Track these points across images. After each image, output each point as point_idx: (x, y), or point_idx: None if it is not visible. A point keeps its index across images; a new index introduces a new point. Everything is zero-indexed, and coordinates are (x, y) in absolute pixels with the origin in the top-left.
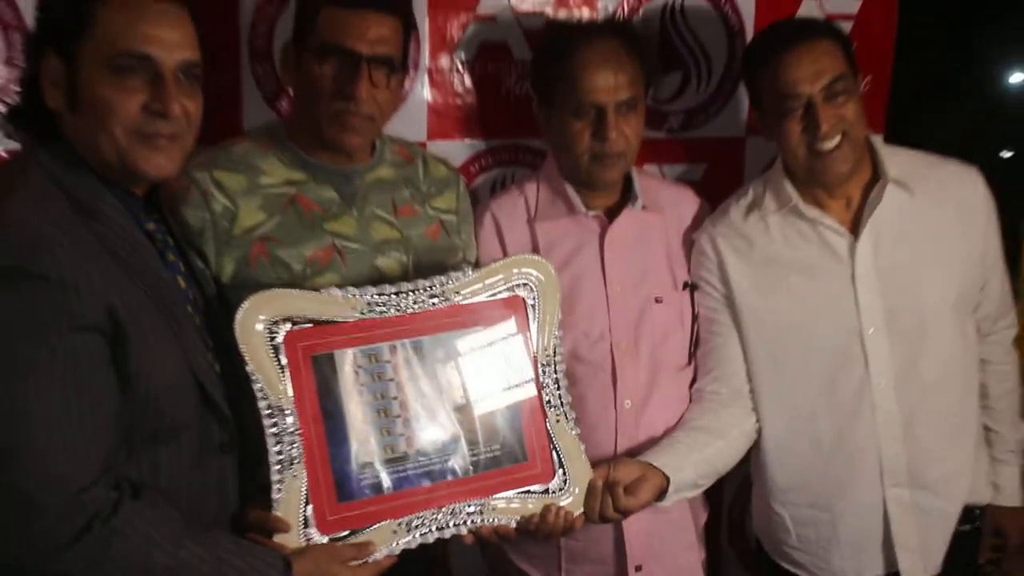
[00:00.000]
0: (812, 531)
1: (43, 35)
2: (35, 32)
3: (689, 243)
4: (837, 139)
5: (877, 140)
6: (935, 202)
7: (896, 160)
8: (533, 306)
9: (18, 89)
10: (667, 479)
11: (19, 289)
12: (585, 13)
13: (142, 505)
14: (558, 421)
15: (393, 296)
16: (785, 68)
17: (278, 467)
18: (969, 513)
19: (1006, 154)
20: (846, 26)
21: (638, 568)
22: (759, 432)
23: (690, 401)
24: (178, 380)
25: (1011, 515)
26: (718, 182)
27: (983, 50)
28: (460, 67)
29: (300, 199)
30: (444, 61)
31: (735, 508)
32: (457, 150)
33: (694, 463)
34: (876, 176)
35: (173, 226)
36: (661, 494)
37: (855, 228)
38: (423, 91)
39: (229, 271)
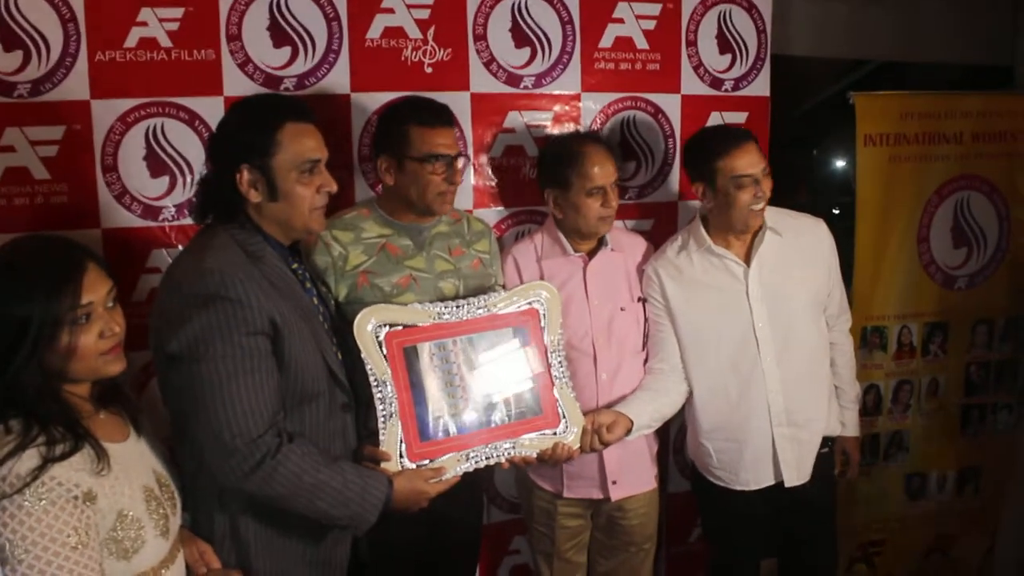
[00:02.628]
0: (726, 456)
1: (240, 155)
2: (229, 154)
3: (641, 271)
4: (760, 204)
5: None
6: (796, 240)
7: (772, 215)
8: (543, 314)
9: (203, 192)
10: (632, 422)
11: (217, 308)
12: (572, 127)
13: (294, 446)
14: (561, 387)
15: (454, 308)
16: (740, 157)
17: (382, 419)
18: (825, 441)
19: (835, 211)
20: None
21: (614, 482)
22: (690, 393)
23: (644, 374)
24: (314, 363)
25: (852, 442)
26: (661, 231)
27: (820, 144)
28: (492, 160)
29: (388, 246)
30: (483, 157)
31: (677, 441)
32: (493, 214)
33: (648, 412)
34: (760, 226)
35: (307, 266)
36: (628, 432)
37: (747, 260)
38: (470, 176)
39: (343, 293)
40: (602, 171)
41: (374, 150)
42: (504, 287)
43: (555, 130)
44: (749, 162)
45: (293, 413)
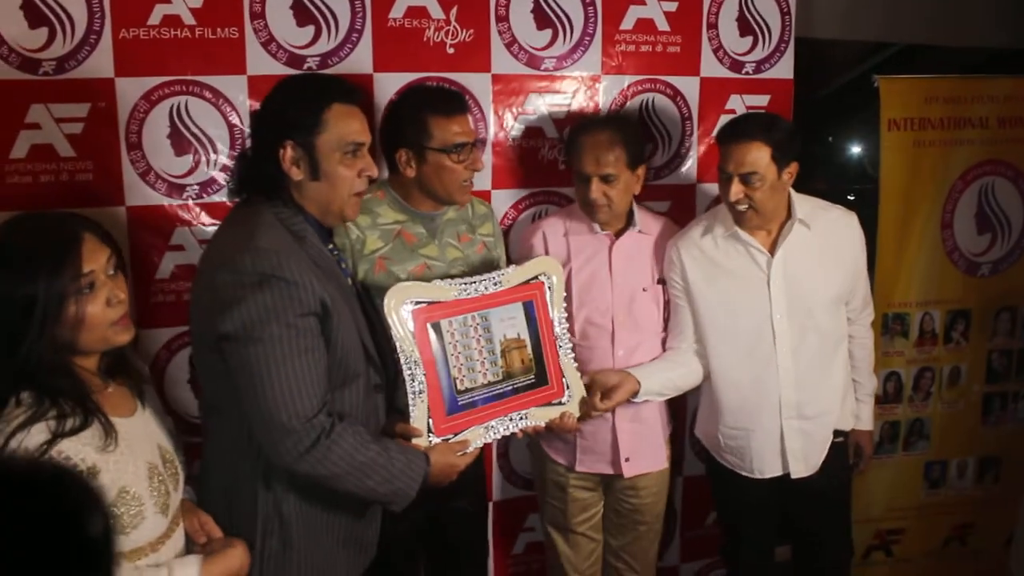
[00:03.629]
0: (734, 442)
1: (285, 131)
2: (275, 129)
3: (663, 252)
4: (743, 206)
5: (793, 193)
6: (825, 234)
7: (803, 205)
8: (550, 288)
9: (243, 167)
10: (639, 384)
11: (272, 288)
12: (591, 107)
13: (346, 425)
14: (565, 360)
15: (471, 284)
16: (723, 154)
17: (411, 395)
18: (837, 432)
19: (850, 196)
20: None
21: (627, 459)
22: (708, 374)
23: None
24: (355, 345)
25: (866, 436)
26: (677, 213)
27: (839, 129)
28: (512, 141)
29: (404, 233)
30: (502, 137)
31: (693, 422)
32: (511, 195)
33: (659, 380)
34: (790, 216)
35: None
36: (635, 394)
37: (772, 249)
38: (490, 156)
39: (360, 276)
40: (591, 160)
41: (388, 142)
42: (509, 262)
43: (574, 111)
44: (731, 162)
45: (335, 394)
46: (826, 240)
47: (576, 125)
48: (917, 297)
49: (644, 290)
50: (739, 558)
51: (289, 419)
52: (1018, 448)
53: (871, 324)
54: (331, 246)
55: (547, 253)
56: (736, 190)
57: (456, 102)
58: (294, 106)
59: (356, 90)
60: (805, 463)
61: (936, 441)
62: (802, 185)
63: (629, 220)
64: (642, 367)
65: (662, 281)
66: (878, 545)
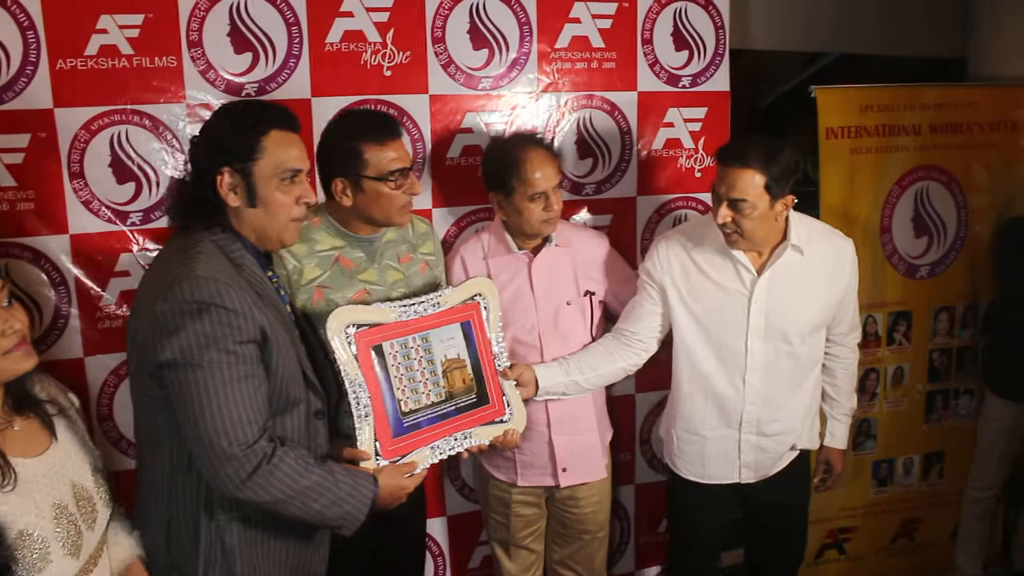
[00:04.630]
0: (689, 447)
1: (222, 157)
2: (212, 155)
3: (593, 263)
4: (730, 231)
5: (792, 214)
6: (819, 261)
7: (800, 228)
8: (486, 308)
9: (181, 195)
10: (537, 387)
11: (211, 316)
12: (529, 125)
13: (287, 449)
14: (504, 378)
15: (410, 306)
16: (718, 173)
17: (357, 419)
18: (793, 447)
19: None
20: (695, 127)
21: (564, 469)
22: (676, 376)
23: (609, 333)
24: (295, 371)
25: (837, 453)
26: (619, 226)
27: (782, 136)
28: (451, 161)
29: (342, 259)
30: (441, 156)
31: (644, 432)
32: (452, 213)
33: (564, 383)
34: (784, 238)
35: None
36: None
37: (761, 269)
38: (429, 176)
39: (299, 306)
40: (543, 176)
41: (323, 171)
42: (448, 284)
43: (512, 130)
44: (721, 185)
45: (276, 421)
46: (818, 267)
47: (502, 143)
48: (861, 300)
49: (568, 304)
50: (686, 562)
51: (230, 445)
52: (960, 444)
53: (856, 347)
54: (270, 272)
55: (467, 278)
56: (724, 214)
57: (390, 127)
58: (231, 133)
59: (293, 117)
60: (755, 472)
61: (882, 440)
62: None
63: (546, 236)
64: (551, 365)
65: (589, 293)
66: (831, 544)
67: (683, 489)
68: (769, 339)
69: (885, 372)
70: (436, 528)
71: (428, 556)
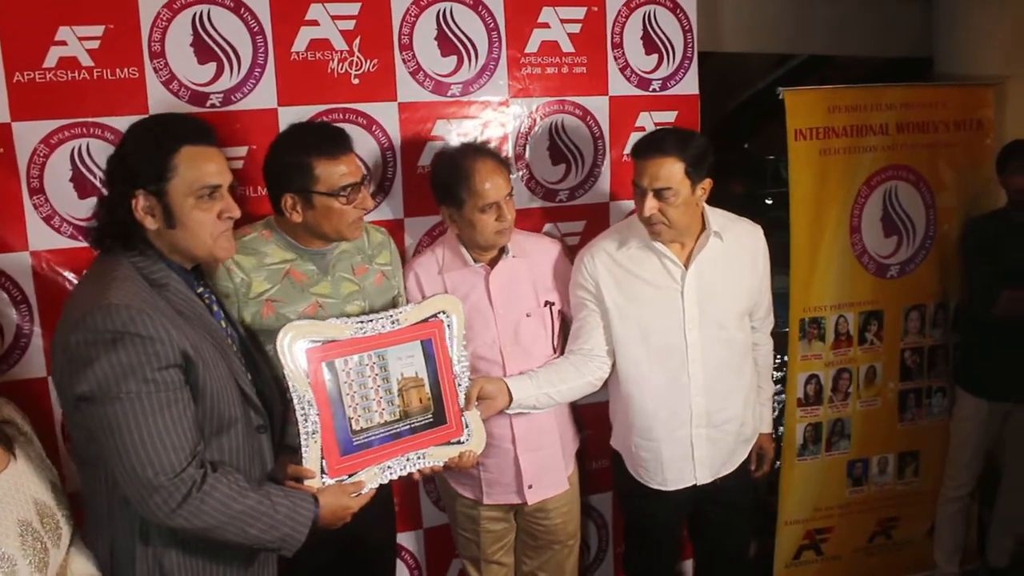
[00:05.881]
0: (647, 454)
1: (133, 180)
2: (125, 178)
3: (550, 273)
4: (655, 221)
5: (706, 207)
6: (736, 247)
7: (716, 218)
8: (448, 325)
9: (100, 217)
10: (511, 398)
11: (126, 344)
12: (500, 132)
13: (219, 475)
14: (464, 397)
15: (368, 322)
16: (637, 168)
17: (304, 437)
18: (745, 440)
19: (768, 201)
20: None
21: (530, 486)
22: (618, 387)
23: (563, 355)
24: (228, 390)
25: (766, 438)
26: (593, 231)
27: (753, 137)
28: (422, 169)
29: (292, 272)
30: (411, 164)
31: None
32: (424, 222)
33: (536, 395)
34: (704, 228)
35: (213, 289)
36: (508, 405)
37: (687, 262)
38: (399, 184)
39: (248, 320)
40: (493, 187)
41: (271, 186)
42: (406, 298)
43: (483, 135)
44: (642, 176)
45: (211, 442)
46: (736, 253)
47: (449, 155)
48: (831, 300)
49: (528, 315)
50: (644, 569)
51: (156, 475)
52: (935, 442)
53: (770, 334)
54: (202, 289)
55: (422, 295)
56: (650, 205)
57: (340, 141)
58: (140, 153)
59: (207, 129)
60: (710, 468)
61: (857, 440)
62: (722, 191)
63: (502, 248)
64: (522, 379)
65: (548, 304)
66: (808, 545)
67: (642, 497)
68: (705, 327)
69: (858, 371)
70: (411, 541)
71: (404, 569)
